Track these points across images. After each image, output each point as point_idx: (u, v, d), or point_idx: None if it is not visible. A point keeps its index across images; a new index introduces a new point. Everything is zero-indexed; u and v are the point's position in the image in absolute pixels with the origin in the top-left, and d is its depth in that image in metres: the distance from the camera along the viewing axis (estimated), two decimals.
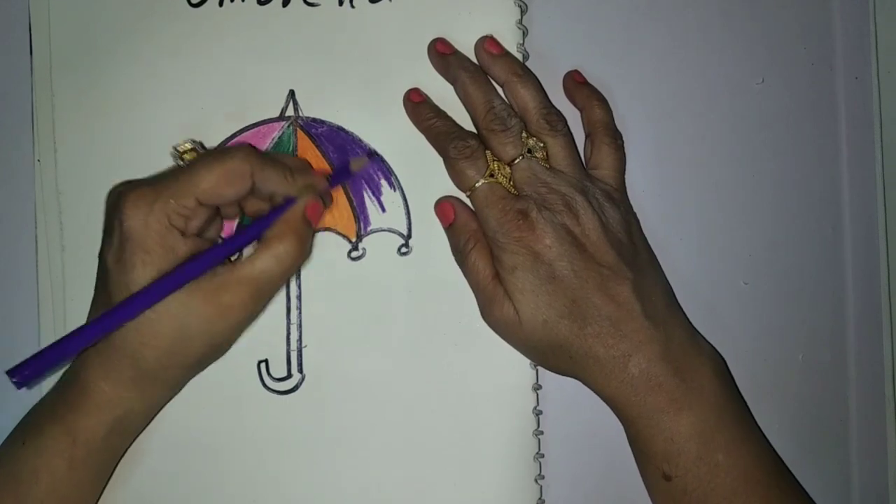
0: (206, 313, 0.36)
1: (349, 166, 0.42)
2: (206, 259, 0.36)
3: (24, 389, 0.33)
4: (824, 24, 0.47)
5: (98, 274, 0.38)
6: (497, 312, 0.40)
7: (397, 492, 0.43)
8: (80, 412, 0.36)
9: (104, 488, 0.40)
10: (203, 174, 0.36)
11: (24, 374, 0.33)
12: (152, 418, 0.40)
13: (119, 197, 0.36)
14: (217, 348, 0.39)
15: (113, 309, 0.34)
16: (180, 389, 0.41)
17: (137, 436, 0.40)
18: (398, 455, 0.43)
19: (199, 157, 0.37)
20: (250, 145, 0.38)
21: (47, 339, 0.43)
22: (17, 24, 0.44)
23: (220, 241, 0.41)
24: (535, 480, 0.43)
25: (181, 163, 0.38)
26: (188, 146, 0.38)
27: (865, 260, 0.47)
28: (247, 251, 0.39)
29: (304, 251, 0.38)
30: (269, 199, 0.39)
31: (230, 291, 0.36)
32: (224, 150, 0.37)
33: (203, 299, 0.35)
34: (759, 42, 0.46)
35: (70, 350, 0.34)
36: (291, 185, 0.38)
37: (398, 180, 0.44)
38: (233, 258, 0.40)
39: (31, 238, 0.43)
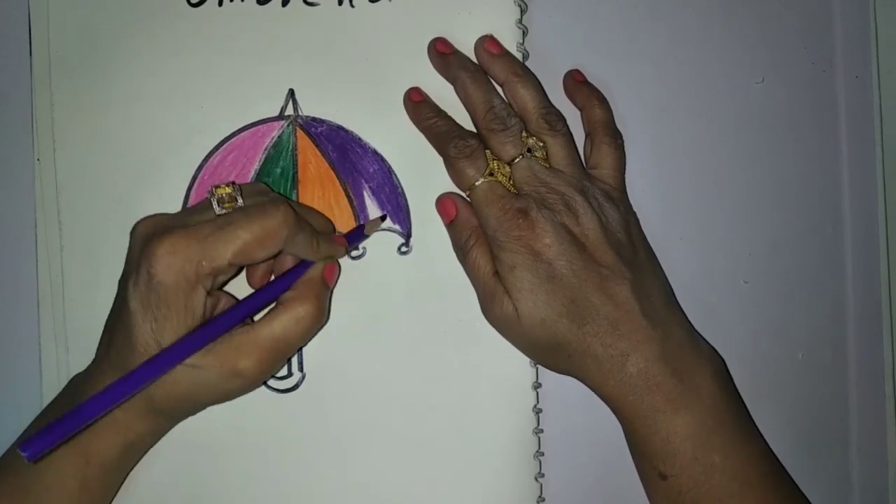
0: (220, 373, 0.36)
1: (363, 229, 0.42)
2: (223, 322, 0.36)
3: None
4: (824, 23, 0.47)
5: (117, 300, 0.38)
6: (497, 309, 0.40)
7: (398, 490, 0.43)
8: (94, 434, 0.37)
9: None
10: (240, 235, 0.36)
11: (39, 445, 0.32)
12: (158, 440, 0.41)
13: (151, 241, 0.35)
14: (227, 399, 0.39)
15: (128, 376, 0.34)
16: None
17: (144, 455, 0.41)
18: (398, 453, 0.43)
19: (237, 214, 0.37)
20: (287, 203, 0.37)
21: (46, 337, 0.43)
22: (16, 24, 0.44)
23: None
24: (535, 478, 0.43)
25: (218, 209, 0.37)
26: (227, 192, 0.37)
27: (865, 259, 0.47)
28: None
29: (323, 313, 0.39)
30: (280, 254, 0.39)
31: (247, 356, 0.36)
32: (264, 207, 0.37)
33: (219, 361, 0.36)
34: (760, 41, 0.46)
35: (86, 419, 0.33)
36: (316, 252, 0.39)
37: (398, 179, 0.44)
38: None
39: (30, 238, 0.43)
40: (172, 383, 0.36)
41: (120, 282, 0.38)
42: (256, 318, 0.39)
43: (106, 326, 0.39)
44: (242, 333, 0.37)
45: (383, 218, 0.43)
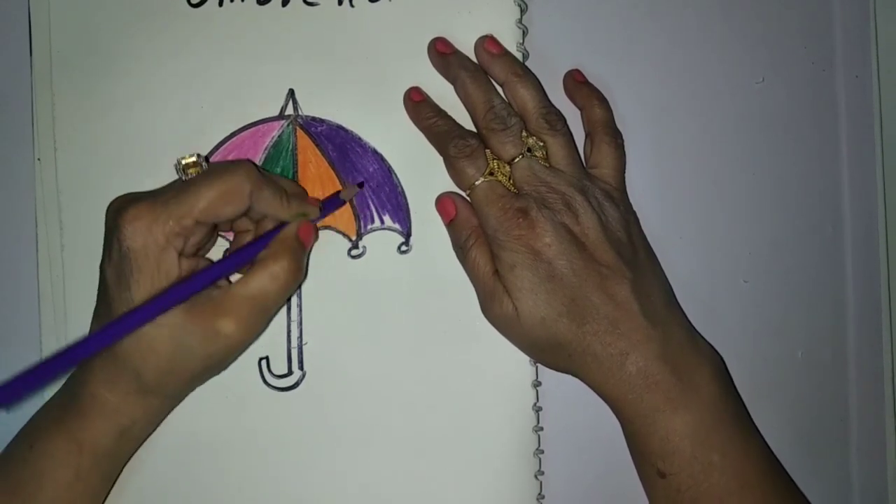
0: (200, 334, 0.36)
1: (339, 195, 0.42)
2: (199, 279, 0.36)
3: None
4: (824, 22, 0.47)
5: (99, 285, 0.38)
6: (496, 309, 0.40)
7: (398, 489, 0.43)
8: (87, 421, 0.37)
9: (108, 494, 0.40)
10: (203, 192, 0.36)
11: (9, 394, 0.32)
12: (156, 427, 0.41)
13: (118, 214, 0.36)
14: (215, 367, 0.39)
15: (100, 330, 0.34)
16: (183, 399, 0.41)
17: (142, 443, 0.40)
18: (398, 452, 0.43)
19: (201, 175, 0.37)
20: (251, 162, 0.38)
21: (48, 337, 0.43)
22: (17, 23, 0.44)
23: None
24: (535, 476, 0.43)
25: (184, 176, 0.37)
26: (192, 160, 0.37)
27: (865, 258, 0.47)
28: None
29: (299, 270, 0.38)
30: (258, 220, 0.40)
31: (225, 314, 0.36)
32: (225, 167, 0.37)
33: (197, 321, 0.36)
34: (760, 41, 0.46)
35: (52, 372, 0.33)
36: (286, 209, 0.39)
37: (398, 179, 0.44)
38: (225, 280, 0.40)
39: (31, 237, 0.43)
40: (153, 351, 0.35)
41: (100, 265, 0.38)
42: (233, 279, 0.39)
43: (93, 314, 0.39)
44: (220, 294, 0.36)
45: (360, 185, 0.43)
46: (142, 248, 0.35)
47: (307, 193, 0.43)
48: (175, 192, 0.36)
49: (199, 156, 0.38)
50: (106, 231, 0.37)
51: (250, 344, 0.38)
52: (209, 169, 0.38)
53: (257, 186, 0.37)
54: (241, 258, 0.38)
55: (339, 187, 0.44)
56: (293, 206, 0.39)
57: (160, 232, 0.35)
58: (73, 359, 0.34)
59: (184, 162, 0.37)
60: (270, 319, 0.39)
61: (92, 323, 0.39)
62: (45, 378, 0.33)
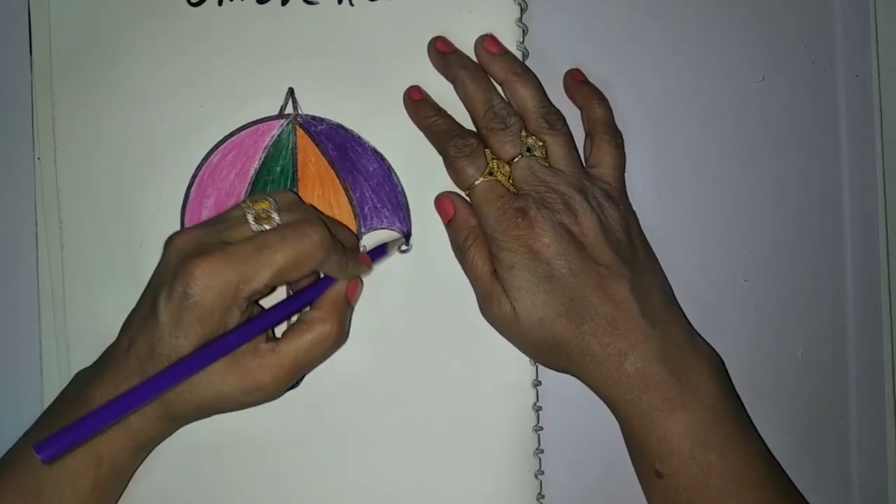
0: (240, 387, 0.36)
1: (386, 248, 0.43)
2: (247, 331, 0.37)
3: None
4: (825, 21, 0.47)
5: (144, 311, 0.37)
6: (495, 309, 0.40)
7: (397, 489, 0.43)
8: (107, 436, 0.37)
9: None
10: (277, 260, 0.36)
11: (55, 447, 0.32)
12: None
13: (189, 261, 0.35)
14: (240, 409, 0.39)
15: (147, 381, 0.35)
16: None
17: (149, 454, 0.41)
18: (398, 451, 0.43)
19: (274, 236, 0.36)
20: (321, 223, 0.37)
21: (47, 336, 0.43)
22: (17, 23, 0.44)
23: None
24: (535, 476, 0.43)
25: (255, 223, 0.37)
26: (264, 207, 0.37)
27: (865, 257, 0.47)
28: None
29: (344, 333, 0.39)
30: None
31: (269, 371, 0.37)
32: (299, 230, 0.36)
33: (240, 375, 0.36)
34: (760, 40, 0.46)
35: (104, 422, 0.34)
36: (344, 272, 0.39)
37: (398, 178, 0.44)
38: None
39: (31, 236, 0.43)
40: (192, 392, 0.36)
41: (148, 290, 0.38)
42: (278, 330, 0.40)
43: (125, 328, 0.39)
44: (268, 350, 0.37)
45: (407, 238, 0.44)
46: (210, 306, 0.35)
47: (358, 242, 0.43)
48: (249, 252, 0.36)
49: (268, 199, 0.37)
50: (168, 265, 0.37)
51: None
52: (283, 230, 0.37)
53: (327, 254, 0.37)
54: (287, 310, 0.39)
55: (339, 187, 0.44)
56: (350, 269, 0.39)
57: (230, 295, 0.35)
58: (124, 408, 0.34)
59: (255, 207, 0.37)
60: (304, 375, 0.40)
61: (120, 337, 0.38)
62: (90, 431, 0.33)
